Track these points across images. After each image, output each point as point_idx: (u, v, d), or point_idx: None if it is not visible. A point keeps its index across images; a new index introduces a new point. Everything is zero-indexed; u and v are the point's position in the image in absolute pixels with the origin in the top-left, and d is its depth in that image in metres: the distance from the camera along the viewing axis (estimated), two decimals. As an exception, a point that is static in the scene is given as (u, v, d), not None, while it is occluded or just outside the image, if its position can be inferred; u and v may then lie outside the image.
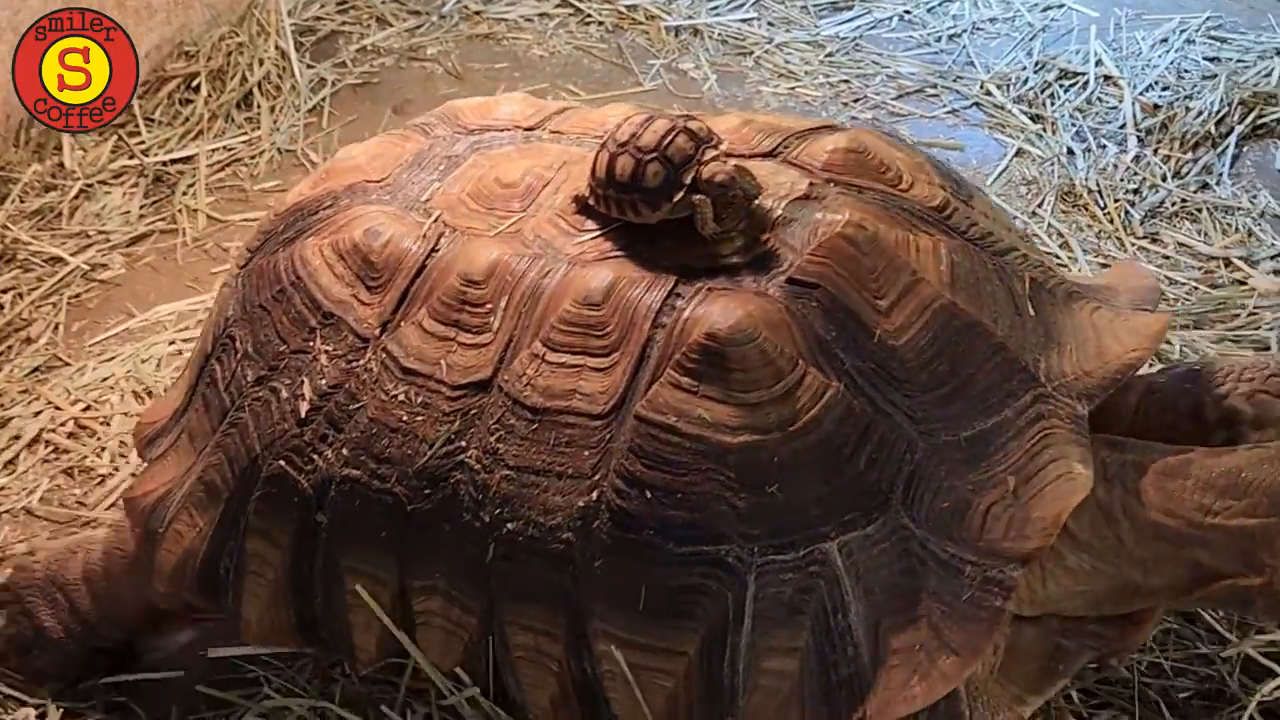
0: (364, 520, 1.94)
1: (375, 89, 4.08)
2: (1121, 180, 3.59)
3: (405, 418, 1.92)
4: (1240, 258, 3.28)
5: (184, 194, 3.58)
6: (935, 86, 4.12)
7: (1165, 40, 4.17)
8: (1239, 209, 3.49)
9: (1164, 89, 3.97)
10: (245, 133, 3.81)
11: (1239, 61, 4.06)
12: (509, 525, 1.84)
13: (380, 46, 4.25)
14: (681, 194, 1.87)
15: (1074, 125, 3.85)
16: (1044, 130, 3.84)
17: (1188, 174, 3.64)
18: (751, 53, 4.28)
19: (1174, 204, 3.52)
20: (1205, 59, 4.08)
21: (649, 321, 1.84)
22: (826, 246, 1.87)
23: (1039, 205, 3.53)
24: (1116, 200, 3.52)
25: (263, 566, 2.02)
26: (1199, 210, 3.49)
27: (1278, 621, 2.21)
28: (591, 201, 1.97)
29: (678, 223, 1.91)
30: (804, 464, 1.77)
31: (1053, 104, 3.96)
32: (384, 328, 1.98)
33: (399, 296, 1.99)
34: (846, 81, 4.14)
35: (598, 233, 1.97)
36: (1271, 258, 3.32)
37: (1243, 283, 3.22)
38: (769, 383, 1.78)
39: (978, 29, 4.37)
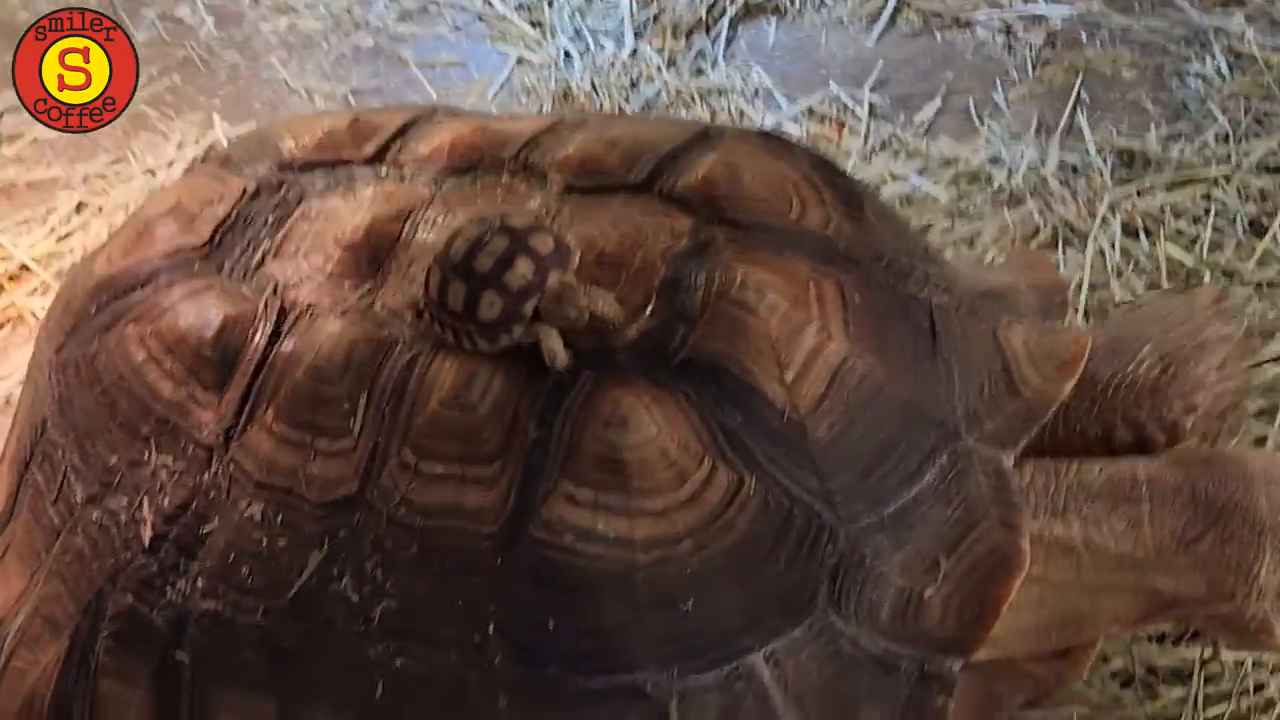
0: (232, 657, 1.71)
1: None
2: (617, 78, 3.59)
3: (265, 541, 1.69)
4: None
5: None
6: (438, 4, 4.01)
7: (666, -73, 4.14)
8: (732, 90, 3.53)
9: (663, -27, 3.94)
10: None
11: (732, -61, 4.06)
12: (398, 661, 1.64)
13: None
14: (522, 327, 1.63)
15: (574, 27, 3.81)
16: (544, 36, 3.79)
17: (682, 63, 3.65)
18: (245, -13, 4.08)
19: (669, 95, 3.52)
20: (701, -58, 4.08)
21: (532, 421, 1.63)
22: (722, 318, 1.68)
23: (537, 112, 3.48)
24: (612, 98, 3.52)
25: (122, 708, 1.79)
26: (693, 98, 3.51)
27: (1232, 646, 2.08)
28: (426, 318, 1.72)
29: None
30: (719, 572, 1.60)
31: (551, 8, 3.90)
32: (228, 434, 1.75)
33: (241, 395, 1.75)
34: (348, 10, 4.01)
35: (463, 311, 1.74)
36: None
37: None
38: (673, 485, 1.60)
39: (481, -64, 4.26)
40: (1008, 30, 3.69)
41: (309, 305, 1.79)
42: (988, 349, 1.87)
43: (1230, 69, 3.45)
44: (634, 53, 3.68)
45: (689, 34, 3.74)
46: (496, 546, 1.61)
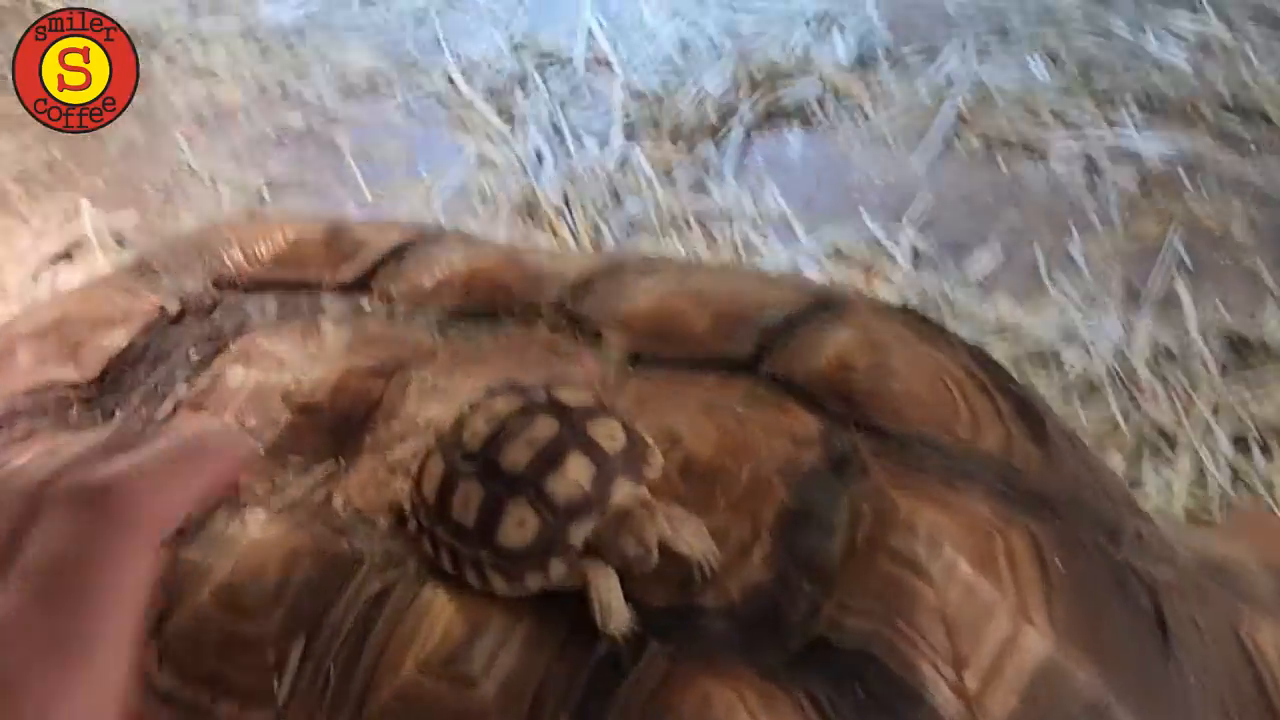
0: None
1: None
2: (597, 189, 3.00)
3: None
4: None
5: None
6: (389, 80, 3.52)
7: (675, 12, 3.62)
8: (739, 215, 2.92)
9: (667, 66, 3.42)
10: None
11: (756, 32, 3.51)
12: None
13: None
14: (564, 565, 1.05)
15: (552, 121, 3.25)
16: (512, 130, 3.24)
17: (680, 175, 3.04)
18: (160, 45, 3.64)
19: (659, 215, 2.92)
20: (719, 29, 3.54)
21: (565, 714, 1.03)
22: (875, 579, 1.10)
23: (494, 225, 2.95)
24: (586, 215, 2.93)
25: None
26: (689, 222, 2.91)
27: None
28: (412, 528, 1.14)
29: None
30: None
31: (527, 96, 3.37)
32: None
33: None
34: (281, 81, 3.52)
35: (467, 519, 1.16)
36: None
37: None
38: None
39: (452, 6, 3.78)
40: (1091, 166, 3.07)
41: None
42: (1230, 652, 1.31)
43: (1374, 231, 2.82)
44: (622, 160, 3.10)
45: (692, 140, 3.16)
46: None
